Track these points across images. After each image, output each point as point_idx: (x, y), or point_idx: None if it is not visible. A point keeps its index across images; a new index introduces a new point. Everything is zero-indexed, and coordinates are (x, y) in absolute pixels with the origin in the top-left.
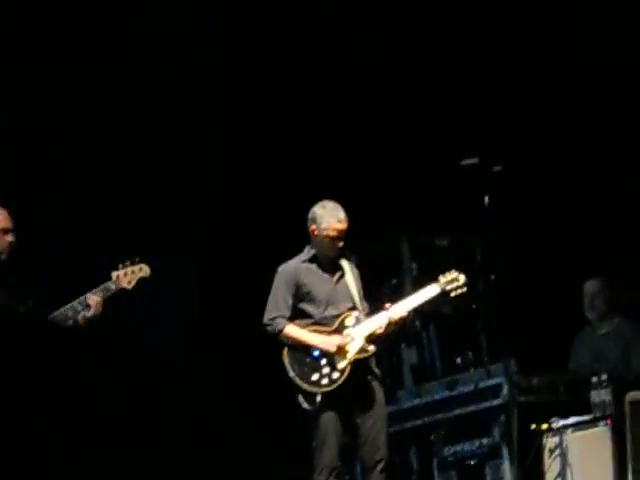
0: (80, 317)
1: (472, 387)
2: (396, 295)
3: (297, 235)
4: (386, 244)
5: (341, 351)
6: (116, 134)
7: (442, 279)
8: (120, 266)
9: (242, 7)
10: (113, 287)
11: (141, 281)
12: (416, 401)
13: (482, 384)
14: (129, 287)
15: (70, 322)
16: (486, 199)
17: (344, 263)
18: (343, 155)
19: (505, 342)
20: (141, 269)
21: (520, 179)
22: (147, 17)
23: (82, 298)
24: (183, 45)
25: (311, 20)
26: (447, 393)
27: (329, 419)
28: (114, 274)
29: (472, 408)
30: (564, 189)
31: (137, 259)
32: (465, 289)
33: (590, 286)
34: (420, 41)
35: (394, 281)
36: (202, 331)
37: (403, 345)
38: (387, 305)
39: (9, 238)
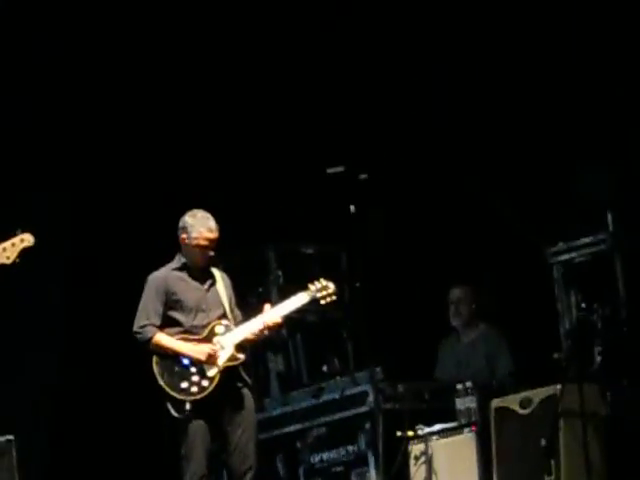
0: None
1: (338, 395)
2: (262, 303)
3: (166, 243)
4: (252, 252)
5: (211, 359)
6: None
7: (312, 287)
8: None
9: None
10: None
11: (24, 251)
12: (283, 409)
13: (348, 392)
14: (9, 262)
15: None
16: (352, 207)
17: (215, 271)
18: (210, 162)
19: (371, 350)
20: (22, 240)
21: (386, 187)
22: None
23: None
24: None
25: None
26: (313, 401)
27: (197, 427)
28: None
29: (338, 416)
30: (429, 197)
31: (18, 230)
32: (335, 297)
33: (455, 293)
34: (287, 46)
35: (260, 289)
36: (71, 340)
37: (269, 353)
38: (266, 307)
39: None
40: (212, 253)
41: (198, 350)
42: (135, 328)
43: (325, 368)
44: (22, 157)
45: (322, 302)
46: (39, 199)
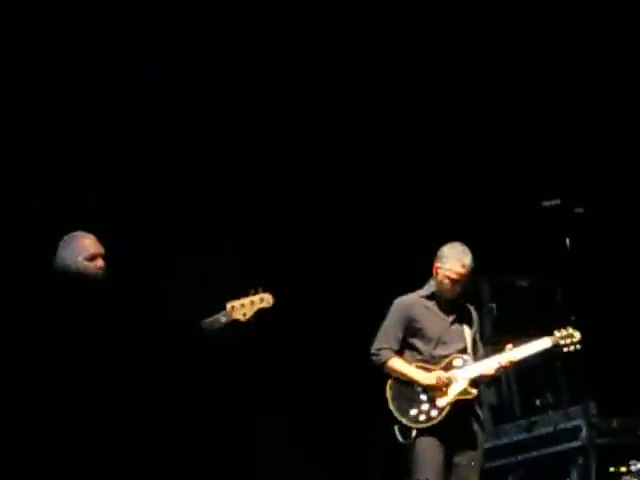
0: None
1: (551, 429)
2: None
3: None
4: (467, 284)
5: (441, 385)
6: None
7: (557, 333)
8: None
9: None
10: (223, 319)
11: (262, 312)
12: (495, 442)
13: (561, 426)
14: (243, 319)
15: None
16: (567, 241)
17: (467, 306)
18: (428, 194)
19: (585, 384)
20: (262, 299)
21: (601, 221)
22: None
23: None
24: None
25: None
26: (525, 435)
27: (427, 452)
28: (229, 304)
29: (550, 450)
30: None
31: (260, 288)
32: (579, 346)
33: None
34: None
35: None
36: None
37: (482, 386)
38: (508, 347)
39: (99, 263)
40: (460, 289)
41: (430, 376)
42: (372, 350)
43: (538, 402)
44: None
45: (565, 350)
46: None
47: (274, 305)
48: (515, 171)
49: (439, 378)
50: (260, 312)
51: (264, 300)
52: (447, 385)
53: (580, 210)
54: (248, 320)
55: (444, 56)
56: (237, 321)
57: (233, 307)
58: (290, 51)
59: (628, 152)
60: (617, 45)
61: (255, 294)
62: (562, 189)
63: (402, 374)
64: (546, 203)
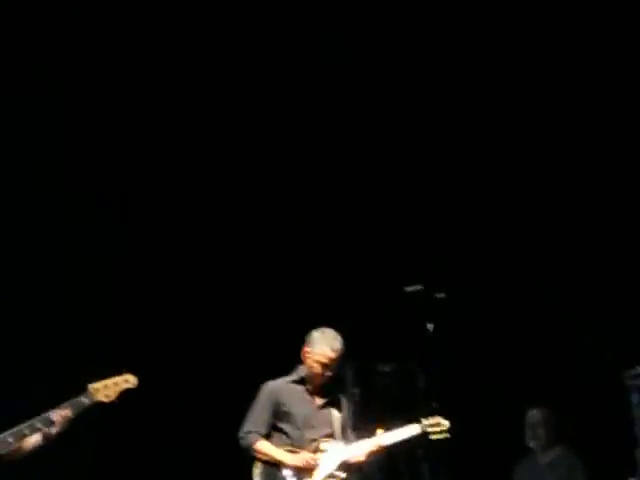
0: (37, 437)
1: None
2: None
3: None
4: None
5: (308, 466)
6: None
7: (425, 421)
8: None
9: None
10: (86, 401)
11: (125, 393)
12: None
13: None
14: (107, 400)
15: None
16: (429, 325)
17: (336, 393)
18: (292, 278)
19: (446, 471)
20: (126, 380)
21: (464, 306)
22: None
23: (45, 415)
24: None
25: None
26: None
27: None
28: (90, 387)
29: None
30: (506, 317)
31: (123, 370)
32: (447, 435)
33: (533, 416)
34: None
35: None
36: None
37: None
38: (378, 432)
39: None
40: (330, 373)
41: (297, 457)
42: (241, 433)
43: None
44: None
45: (432, 437)
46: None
47: (138, 386)
48: (377, 257)
49: (306, 460)
50: (123, 393)
51: (128, 381)
52: (313, 467)
53: (442, 295)
54: (112, 402)
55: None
56: (101, 402)
57: (96, 389)
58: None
59: (488, 237)
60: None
61: (118, 375)
62: (424, 274)
63: (269, 456)
64: (408, 288)
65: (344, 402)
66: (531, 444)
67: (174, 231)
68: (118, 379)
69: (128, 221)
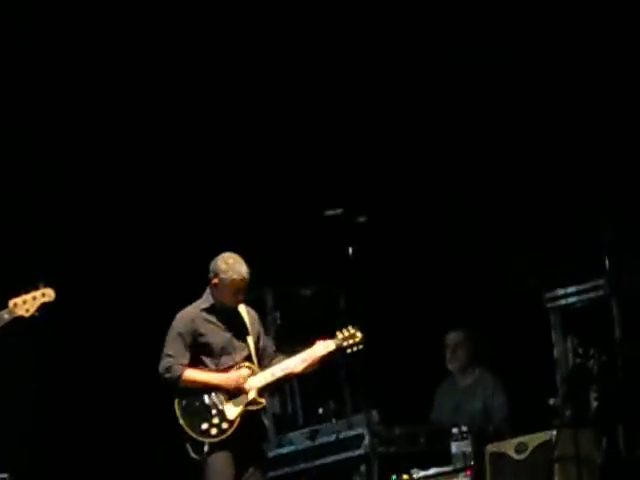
0: None
1: (334, 437)
2: None
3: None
4: (250, 294)
5: (239, 386)
6: None
7: (339, 335)
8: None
9: None
10: (6, 316)
11: (44, 306)
12: (278, 450)
13: (344, 434)
14: (27, 314)
15: None
16: (350, 249)
17: (242, 309)
18: (211, 203)
19: (367, 393)
20: (44, 294)
21: (385, 230)
22: None
23: None
24: None
25: None
26: (309, 443)
27: (219, 467)
28: (11, 302)
29: (334, 458)
30: (427, 239)
31: (40, 284)
32: (362, 346)
33: (452, 337)
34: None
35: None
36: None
37: (266, 394)
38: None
39: None
40: (241, 298)
41: (229, 378)
42: (161, 367)
43: (321, 410)
44: None
45: (348, 351)
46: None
47: (55, 300)
48: (297, 180)
49: (235, 379)
50: (42, 306)
51: (46, 295)
52: (241, 389)
53: (362, 219)
54: (32, 315)
55: None
56: (21, 317)
57: (15, 304)
58: None
59: (409, 160)
60: None
61: (37, 289)
62: (344, 198)
63: (200, 382)
64: (329, 212)
65: (256, 322)
66: (450, 366)
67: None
68: (37, 293)
69: None
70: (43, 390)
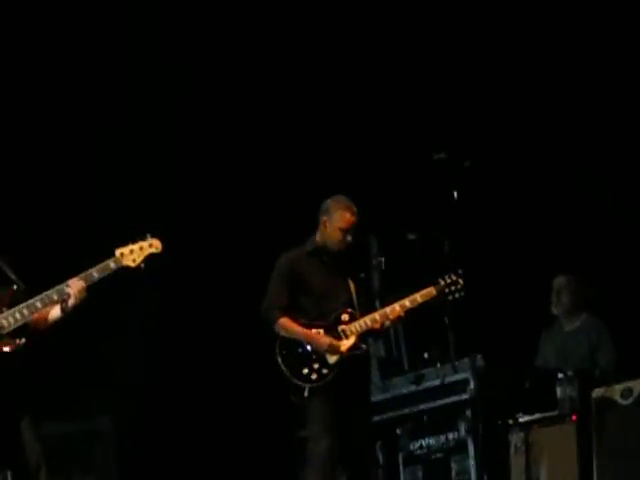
0: (56, 309)
1: (439, 382)
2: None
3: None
4: (355, 239)
5: (332, 349)
6: None
7: (441, 282)
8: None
9: None
10: (113, 265)
11: (150, 258)
12: (383, 395)
13: (449, 379)
14: (133, 265)
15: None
16: (455, 194)
17: (352, 259)
18: (317, 147)
19: (472, 337)
20: (151, 245)
21: (490, 175)
22: None
23: (60, 287)
24: None
25: None
26: (414, 387)
27: (318, 406)
28: (117, 251)
29: (438, 403)
30: (533, 185)
31: (148, 235)
32: (463, 294)
33: (558, 282)
34: (387, 34)
35: (362, 275)
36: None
37: (370, 339)
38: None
39: None
40: (350, 239)
41: (320, 340)
42: (263, 307)
43: (426, 355)
44: None
45: (450, 298)
46: None
47: (163, 250)
48: (402, 125)
49: (328, 345)
50: (150, 257)
51: (153, 245)
52: (337, 345)
53: (468, 163)
54: (138, 266)
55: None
56: (127, 267)
57: (122, 254)
58: None
59: (514, 107)
60: None
61: (144, 240)
62: (449, 142)
63: (292, 333)
64: (434, 156)
65: (360, 269)
66: (556, 311)
67: None
68: (143, 244)
69: None
70: (153, 335)
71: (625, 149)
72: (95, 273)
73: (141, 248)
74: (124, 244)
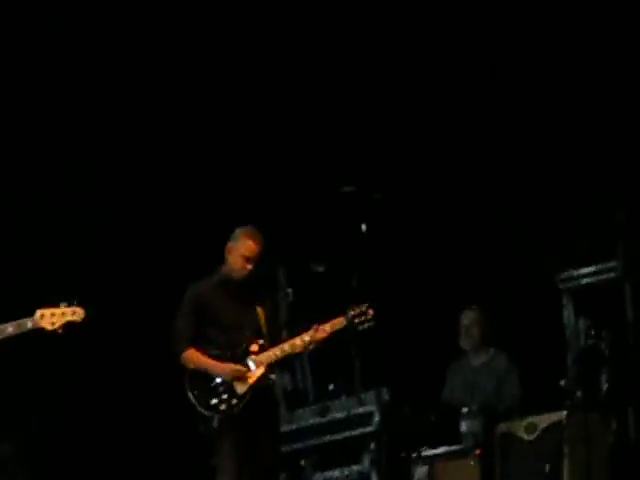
0: None
1: (344, 414)
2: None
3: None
4: (262, 269)
5: (238, 379)
6: None
7: (350, 312)
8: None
9: None
10: (29, 324)
11: (69, 325)
12: (288, 426)
13: (354, 411)
14: (50, 328)
15: None
16: (363, 226)
17: (259, 288)
18: (225, 179)
19: (378, 370)
20: (74, 312)
21: (399, 207)
22: None
23: None
24: None
25: None
26: (319, 419)
27: (229, 443)
28: (38, 312)
29: (343, 435)
30: (442, 219)
31: (74, 301)
32: (373, 324)
33: (466, 316)
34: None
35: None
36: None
37: (276, 370)
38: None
39: None
40: (250, 267)
41: (225, 369)
42: (170, 341)
43: (332, 387)
44: None
45: (359, 328)
46: None
47: (84, 320)
48: (312, 156)
49: (233, 372)
50: (68, 325)
51: (75, 313)
52: (244, 373)
53: (378, 196)
54: (55, 330)
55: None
56: (43, 329)
57: (42, 315)
58: None
59: (424, 137)
60: None
61: (69, 306)
62: (359, 175)
63: (198, 365)
64: (343, 189)
65: (267, 298)
66: (464, 345)
67: None
68: (67, 309)
69: None
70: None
71: (529, 183)
72: (10, 328)
73: (63, 314)
74: (48, 305)
